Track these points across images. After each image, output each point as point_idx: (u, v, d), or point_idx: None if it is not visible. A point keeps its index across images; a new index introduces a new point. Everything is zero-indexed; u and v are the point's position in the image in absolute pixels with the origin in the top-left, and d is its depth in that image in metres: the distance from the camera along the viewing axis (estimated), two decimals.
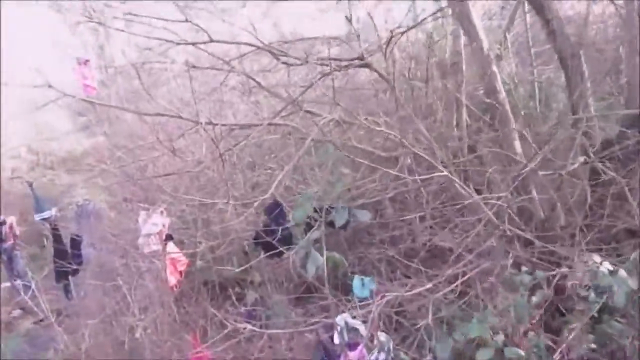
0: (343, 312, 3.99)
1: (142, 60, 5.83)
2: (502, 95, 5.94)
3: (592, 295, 3.34)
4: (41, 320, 7.90)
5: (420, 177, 4.45)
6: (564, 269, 3.55)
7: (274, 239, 4.83)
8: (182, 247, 6.17)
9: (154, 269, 6.38)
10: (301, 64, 5.14)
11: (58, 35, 10.98)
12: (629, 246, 4.17)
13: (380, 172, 5.25)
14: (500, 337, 3.41)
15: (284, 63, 5.04)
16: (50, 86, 4.16)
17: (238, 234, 6.40)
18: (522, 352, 3.38)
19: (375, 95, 6.86)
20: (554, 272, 3.56)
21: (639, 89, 4.88)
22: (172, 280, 5.49)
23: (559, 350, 3.46)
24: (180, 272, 5.54)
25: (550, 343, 3.56)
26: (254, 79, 5.73)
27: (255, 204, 5.27)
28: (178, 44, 4.64)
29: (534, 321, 3.33)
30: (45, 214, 8.18)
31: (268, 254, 5.06)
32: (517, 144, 5.80)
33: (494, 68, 5.97)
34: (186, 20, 4.52)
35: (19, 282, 9.66)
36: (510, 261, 4.51)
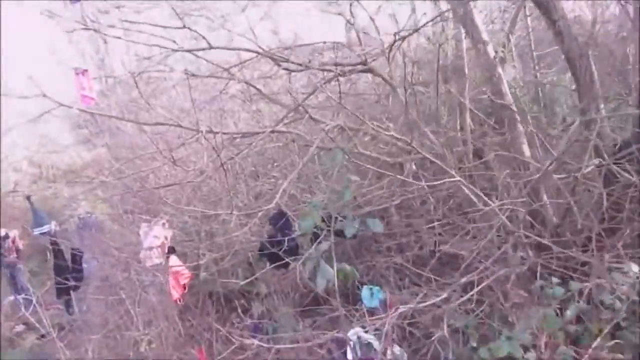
0: (353, 324, 3.77)
1: (141, 69, 5.65)
2: (509, 98, 5.76)
3: (618, 303, 3.13)
4: (43, 336, 7.66)
5: (433, 182, 4.24)
6: (599, 280, 3.31)
7: (279, 250, 4.62)
8: (185, 260, 5.96)
9: (157, 282, 6.17)
10: (303, 70, 4.96)
11: (56, 46, 10.80)
12: None
13: (386, 179, 5.05)
14: (532, 355, 3.15)
15: (285, 69, 4.85)
16: (45, 96, 3.96)
17: (242, 245, 6.20)
18: None
19: (378, 101, 6.66)
20: (588, 284, 3.30)
21: None
22: (175, 293, 5.27)
23: None
24: (184, 286, 5.32)
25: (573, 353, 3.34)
26: (254, 87, 5.56)
27: (260, 214, 5.08)
28: (176, 51, 4.45)
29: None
30: (44, 228, 7.93)
31: (274, 265, 4.85)
32: (526, 148, 5.61)
33: (500, 71, 5.80)
34: (184, 27, 4.33)
35: (22, 296, 9.45)
36: (525, 268, 4.31)
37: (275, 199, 3.91)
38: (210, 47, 4.54)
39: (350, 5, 6.06)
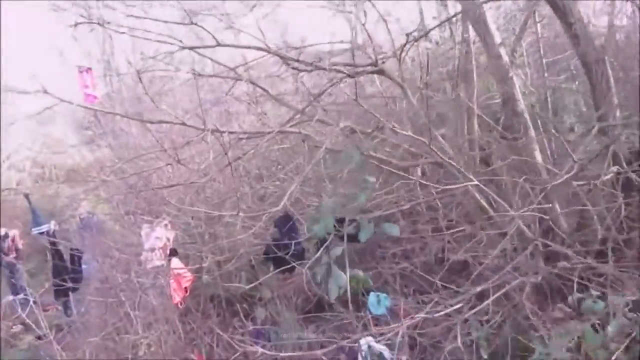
0: (362, 333, 3.55)
1: (147, 69, 5.47)
2: (521, 103, 5.57)
3: None
4: (40, 338, 7.42)
5: (449, 186, 4.03)
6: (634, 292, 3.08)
7: (286, 254, 4.42)
8: (187, 262, 5.75)
9: (158, 284, 5.95)
10: (312, 70, 4.77)
11: (62, 48, 10.63)
12: None
13: (395, 183, 4.85)
14: None
15: (294, 69, 4.67)
16: (46, 92, 3.77)
17: (246, 248, 5.99)
18: None
19: (386, 105, 6.47)
20: (629, 298, 3.05)
21: None
22: (177, 296, 5.05)
23: None
24: (185, 289, 5.10)
25: None
26: (261, 87, 5.37)
27: (266, 217, 4.89)
28: (184, 47, 4.26)
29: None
30: (43, 228, 7.68)
31: (279, 269, 4.64)
32: (538, 154, 5.42)
33: (512, 75, 5.62)
34: (191, 23, 4.14)
35: (20, 296, 9.21)
36: (539, 277, 4.10)
37: (283, 200, 3.70)
38: (218, 45, 4.36)
39: (355, 6, 5.90)
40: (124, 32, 4.22)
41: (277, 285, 5.69)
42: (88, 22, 4.18)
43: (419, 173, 5.61)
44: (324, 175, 6.09)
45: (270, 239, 4.94)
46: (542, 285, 4.13)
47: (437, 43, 7.06)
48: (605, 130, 4.28)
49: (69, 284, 6.68)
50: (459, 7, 7.17)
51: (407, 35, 4.78)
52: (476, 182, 3.87)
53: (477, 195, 4.75)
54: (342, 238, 5.07)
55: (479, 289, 3.69)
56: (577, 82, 8.20)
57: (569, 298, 3.19)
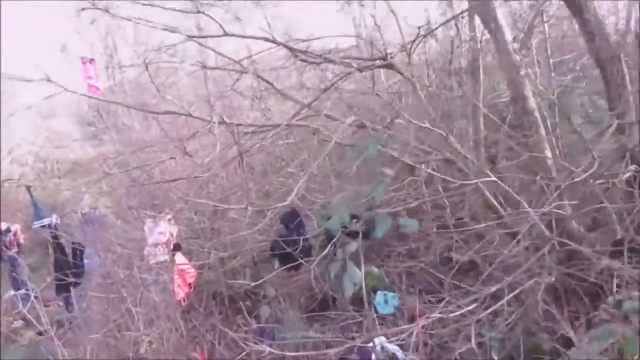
0: (374, 333, 3.39)
1: (152, 60, 5.30)
2: (532, 101, 5.41)
3: None
4: (40, 333, 7.24)
5: (467, 181, 3.87)
6: None
7: (295, 250, 4.25)
8: (190, 258, 5.57)
9: (160, 280, 5.78)
10: (320, 62, 4.60)
11: (64, 40, 10.47)
12: None
13: (404, 180, 4.68)
14: None
15: (302, 61, 4.50)
16: (49, 80, 3.60)
17: (250, 244, 5.83)
18: None
19: (391, 102, 6.30)
20: None
21: None
22: (181, 293, 4.89)
23: None
24: (189, 285, 4.94)
25: None
26: (266, 81, 5.19)
27: (273, 212, 4.73)
28: (190, 37, 4.10)
29: None
30: (45, 221, 7.47)
31: (285, 266, 4.48)
32: (548, 153, 5.26)
33: (523, 73, 5.45)
34: (198, 12, 3.98)
35: (21, 292, 9.04)
36: (553, 278, 3.94)
37: (290, 195, 3.54)
38: (225, 34, 4.19)
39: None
40: (129, 19, 4.03)
41: (281, 283, 5.52)
42: (93, 8, 4.00)
43: (426, 171, 5.45)
44: (330, 171, 5.94)
45: (276, 235, 4.77)
46: (556, 286, 3.97)
47: (452, 40, 6.89)
48: (622, 129, 4.11)
49: (71, 279, 6.48)
50: (465, 5, 7.04)
51: (419, 28, 4.61)
52: (493, 178, 3.71)
53: (488, 194, 4.58)
54: (350, 235, 4.95)
55: (493, 289, 3.52)
56: (584, 83, 8.06)
57: (609, 299, 3.00)
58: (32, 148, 15.89)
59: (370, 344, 3.13)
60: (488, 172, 3.77)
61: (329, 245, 4.45)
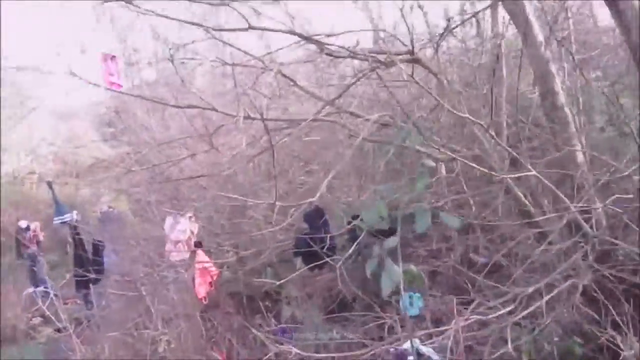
0: (408, 335, 3.18)
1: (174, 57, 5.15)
2: (561, 96, 5.18)
3: None
4: (59, 330, 7.12)
5: (511, 175, 3.65)
6: None
7: (322, 248, 4.07)
8: (210, 257, 5.40)
9: (180, 279, 5.62)
10: (347, 57, 4.42)
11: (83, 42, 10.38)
12: None
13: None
14: None
15: (328, 54, 4.31)
16: (72, 73, 3.46)
17: (267, 243, 5.65)
18: None
19: (415, 99, 6.09)
20: None
21: None
22: (202, 291, 4.71)
23: None
24: (210, 283, 4.77)
25: None
26: (289, 78, 5.01)
27: (296, 210, 4.54)
28: (214, 29, 3.93)
29: None
30: (66, 217, 7.35)
31: (310, 265, 4.29)
32: (579, 150, 5.02)
33: (552, 69, 5.23)
34: (222, 3, 3.81)
35: (40, 288, 8.96)
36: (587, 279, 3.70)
37: (319, 191, 3.36)
38: (250, 27, 4.01)
39: None
40: (152, 13, 3.88)
41: (302, 283, 5.32)
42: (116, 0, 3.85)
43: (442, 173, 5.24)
44: (351, 170, 5.74)
45: (299, 234, 4.58)
46: (593, 287, 3.73)
47: (475, 35, 6.68)
48: None
49: (91, 275, 6.32)
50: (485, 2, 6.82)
51: (448, 20, 4.41)
52: (534, 173, 3.49)
53: (518, 191, 4.36)
54: (373, 234, 4.76)
55: (530, 289, 3.30)
56: (607, 82, 7.79)
57: None
58: (52, 148, 15.89)
59: (405, 346, 2.94)
60: (529, 167, 3.54)
61: (355, 244, 4.28)
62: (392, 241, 2.34)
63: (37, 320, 8.51)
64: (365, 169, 5.68)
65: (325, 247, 4.04)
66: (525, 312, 3.20)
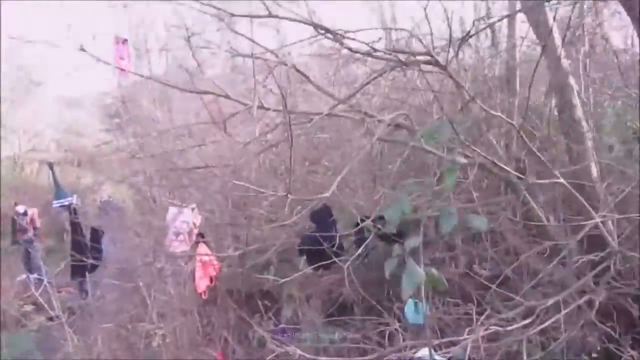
0: (412, 342, 3.01)
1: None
2: (579, 109, 5.03)
3: None
4: (51, 319, 6.91)
5: (538, 181, 3.49)
6: None
7: (321, 248, 3.89)
8: (212, 251, 5.21)
9: (178, 271, 5.43)
10: (365, 53, 4.25)
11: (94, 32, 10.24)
12: None
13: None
14: None
15: (347, 49, 4.15)
16: (82, 49, 3.29)
17: (270, 241, 5.47)
18: None
19: (429, 103, 5.93)
20: None
21: None
22: (202, 285, 4.53)
23: None
24: (211, 278, 4.58)
25: None
26: (302, 73, 4.83)
27: (300, 209, 4.37)
28: (233, 15, 3.77)
29: None
30: (65, 201, 7.11)
31: (314, 265, 4.11)
32: (594, 164, 4.87)
33: (571, 81, 5.07)
34: None
35: (34, 275, 8.75)
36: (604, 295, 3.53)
37: (332, 187, 3.18)
38: (270, 15, 3.84)
39: None
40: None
41: (305, 284, 5.13)
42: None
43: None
44: (360, 171, 5.58)
45: (304, 233, 4.41)
46: (607, 303, 3.56)
47: (490, 46, 6.54)
48: None
49: (90, 261, 6.09)
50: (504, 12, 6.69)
51: (473, 22, 4.25)
52: (561, 180, 3.33)
53: (533, 203, 4.20)
54: (381, 237, 4.58)
55: (550, 301, 3.12)
56: (619, 102, 7.68)
57: None
58: (55, 136, 15.71)
59: (419, 354, 2.77)
60: (557, 173, 3.37)
61: (362, 246, 4.11)
62: (414, 241, 2.16)
63: (29, 307, 8.27)
64: (374, 170, 5.52)
65: (334, 247, 3.86)
66: (542, 326, 3.01)
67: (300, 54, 5.83)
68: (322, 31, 4.13)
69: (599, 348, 3.61)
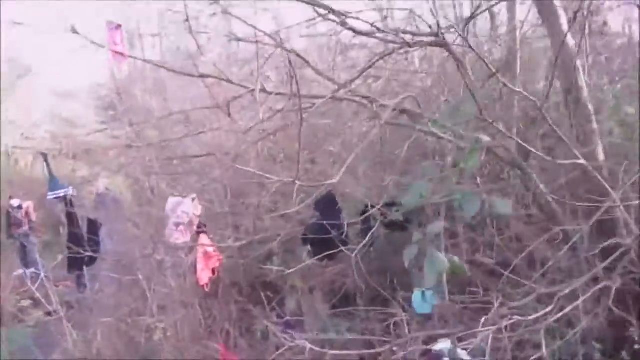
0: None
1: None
2: (585, 91, 4.85)
3: None
4: (49, 314, 6.71)
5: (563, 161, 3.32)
6: None
7: (328, 237, 3.72)
8: (213, 242, 5.02)
9: (178, 263, 5.25)
10: (370, 34, 4.06)
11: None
12: None
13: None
14: None
15: (349, 29, 3.96)
16: (75, 31, 3.08)
17: (272, 231, 5.29)
18: None
19: (433, 87, 5.73)
20: None
21: None
22: (205, 277, 4.35)
23: None
24: (213, 270, 4.40)
25: None
26: (302, 57, 4.62)
27: (304, 198, 4.19)
28: None
29: None
30: (60, 192, 6.85)
31: (321, 255, 3.94)
32: (600, 148, 4.71)
33: (578, 63, 4.90)
34: None
35: (31, 270, 8.53)
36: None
37: (339, 174, 3.01)
38: None
39: None
40: None
41: (308, 274, 4.96)
42: None
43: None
44: (365, 157, 5.39)
45: (310, 221, 4.23)
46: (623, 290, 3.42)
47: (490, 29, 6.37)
48: None
49: (88, 253, 5.86)
50: None
51: (477, 6, 4.06)
52: (583, 161, 3.17)
53: (542, 186, 4.04)
54: (387, 226, 4.41)
55: (567, 290, 2.97)
56: (619, 86, 7.54)
57: None
58: (49, 128, 15.37)
59: (439, 347, 2.61)
60: (577, 154, 3.21)
61: (369, 234, 3.95)
62: (437, 227, 1.99)
63: (26, 302, 8.06)
64: (376, 156, 5.34)
65: (341, 236, 3.69)
66: (561, 314, 2.85)
67: (302, 36, 5.63)
68: (324, 12, 3.94)
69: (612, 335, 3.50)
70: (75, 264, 6.37)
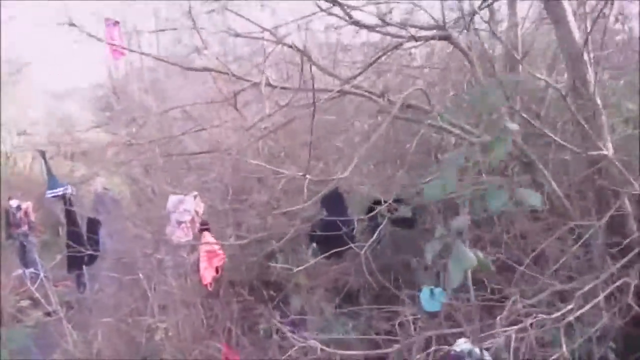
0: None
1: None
2: (592, 84, 4.72)
3: None
4: (49, 314, 6.53)
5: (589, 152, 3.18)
6: None
7: (336, 234, 3.58)
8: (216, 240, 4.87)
9: (179, 262, 5.09)
10: (375, 27, 3.92)
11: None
12: None
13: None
14: None
15: (353, 23, 3.81)
16: (72, 24, 2.92)
17: (274, 229, 5.14)
18: None
19: (438, 81, 5.58)
20: None
21: None
22: (208, 276, 4.19)
23: None
24: (216, 268, 4.25)
25: None
26: (303, 52, 4.47)
27: (309, 195, 4.03)
28: None
29: None
30: (59, 190, 6.66)
31: (328, 252, 3.80)
32: (609, 143, 4.58)
33: (585, 56, 4.76)
34: None
35: (30, 270, 8.35)
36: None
37: (348, 169, 2.87)
38: None
39: None
40: None
41: (314, 272, 4.81)
42: None
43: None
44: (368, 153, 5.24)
45: (316, 218, 4.09)
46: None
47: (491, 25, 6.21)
48: None
49: (88, 251, 5.68)
50: None
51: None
52: (606, 152, 3.03)
53: (554, 185, 3.91)
54: (394, 222, 4.27)
55: (586, 287, 2.84)
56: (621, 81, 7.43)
57: None
58: (45, 130, 15.17)
59: (459, 348, 2.47)
60: (600, 145, 3.07)
61: (377, 231, 3.82)
62: (462, 221, 1.85)
63: (25, 302, 7.87)
64: (379, 152, 5.20)
65: (350, 232, 3.55)
66: (579, 312, 2.72)
67: (306, 29, 5.48)
68: (328, 5, 3.79)
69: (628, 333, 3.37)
70: (74, 263, 6.20)
